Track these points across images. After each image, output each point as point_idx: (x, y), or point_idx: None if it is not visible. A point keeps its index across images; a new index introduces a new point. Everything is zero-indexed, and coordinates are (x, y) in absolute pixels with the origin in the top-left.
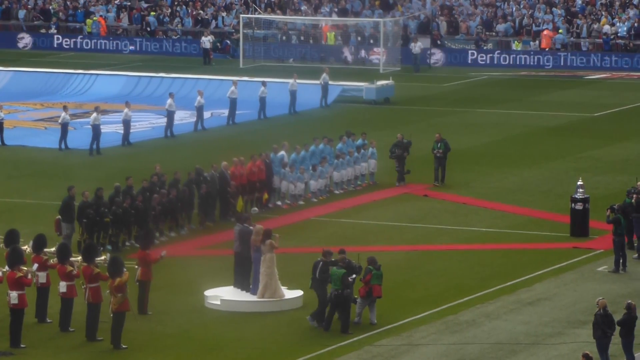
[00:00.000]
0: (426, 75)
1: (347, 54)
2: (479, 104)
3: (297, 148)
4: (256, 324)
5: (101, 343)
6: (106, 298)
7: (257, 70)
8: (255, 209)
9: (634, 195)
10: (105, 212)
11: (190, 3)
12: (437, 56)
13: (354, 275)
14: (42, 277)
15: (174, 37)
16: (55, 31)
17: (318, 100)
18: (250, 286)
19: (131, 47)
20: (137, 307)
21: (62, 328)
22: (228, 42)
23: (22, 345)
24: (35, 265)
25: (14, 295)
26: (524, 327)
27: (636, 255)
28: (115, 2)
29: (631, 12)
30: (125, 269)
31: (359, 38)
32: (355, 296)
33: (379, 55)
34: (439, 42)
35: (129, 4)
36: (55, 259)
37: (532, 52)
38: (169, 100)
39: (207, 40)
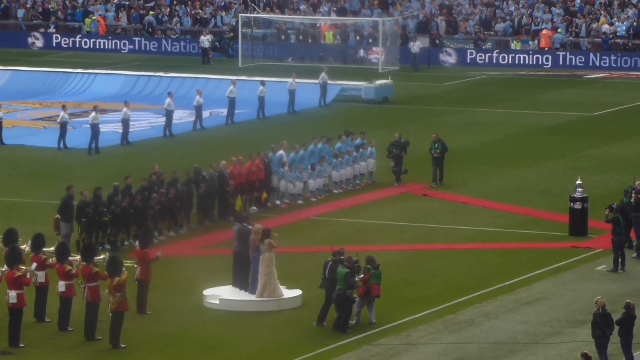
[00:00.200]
0: (425, 75)
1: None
2: (477, 103)
3: (296, 147)
4: (255, 323)
5: (100, 342)
6: (105, 297)
7: (255, 70)
8: (254, 208)
9: (633, 195)
10: (104, 211)
11: (189, 2)
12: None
13: (361, 276)
14: (40, 276)
15: (172, 36)
16: (54, 30)
17: (317, 99)
18: (249, 285)
19: (130, 47)
20: (136, 307)
21: (60, 327)
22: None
23: (21, 345)
24: (34, 265)
25: (12, 294)
26: (523, 326)
27: (635, 254)
28: (114, 1)
29: (630, 11)
30: (124, 269)
31: (358, 37)
32: (354, 295)
33: (377, 54)
34: (437, 41)
35: (127, 3)
36: (54, 259)
37: (531, 52)
38: (168, 100)
39: (205, 40)
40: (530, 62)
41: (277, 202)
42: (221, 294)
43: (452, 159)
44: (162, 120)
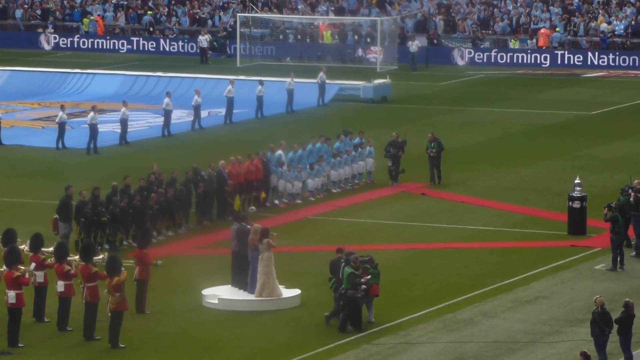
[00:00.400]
0: (423, 74)
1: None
2: (476, 102)
3: (295, 147)
4: (254, 323)
5: (99, 342)
6: (104, 297)
7: (254, 69)
8: (253, 207)
9: (632, 194)
10: (102, 211)
11: (188, 2)
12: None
13: (368, 277)
14: (39, 276)
15: (170, 36)
16: (52, 30)
17: (315, 99)
18: (248, 285)
19: (128, 47)
20: (135, 307)
21: (60, 327)
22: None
23: (20, 345)
24: (33, 265)
25: (11, 294)
26: (522, 325)
27: (634, 253)
28: (112, 1)
29: (628, 10)
30: (123, 269)
31: (356, 37)
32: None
33: (376, 53)
34: (435, 41)
35: (125, 2)
36: (52, 259)
37: (529, 51)
38: (166, 100)
39: (204, 40)
40: (529, 61)
41: (276, 201)
42: (220, 293)
43: (450, 158)
44: (160, 120)
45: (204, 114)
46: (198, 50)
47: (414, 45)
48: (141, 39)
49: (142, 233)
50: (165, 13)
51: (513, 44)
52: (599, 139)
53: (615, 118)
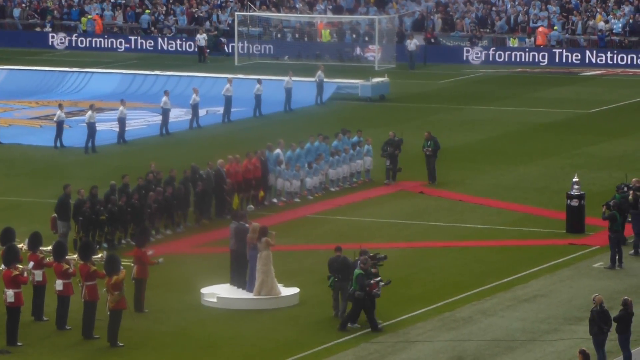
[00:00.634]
0: (421, 73)
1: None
2: (474, 101)
3: (293, 145)
4: (253, 321)
5: (98, 341)
6: (103, 296)
7: (252, 68)
8: (251, 206)
9: (632, 192)
10: (100, 210)
11: (186, 1)
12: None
13: (378, 279)
14: (38, 275)
15: (168, 34)
16: (50, 29)
17: (313, 97)
18: (247, 284)
19: (126, 45)
20: (134, 305)
21: (58, 326)
22: (222, 39)
23: (18, 344)
24: (31, 264)
25: (10, 293)
26: (520, 323)
27: (632, 251)
28: (110, 0)
29: (626, 8)
30: (122, 267)
31: (354, 35)
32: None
33: (374, 52)
34: (432, 40)
35: (123, 1)
36: (51, 257)
37: (527, 49)
38: (164, 98)
39: (202, 38)
40: (527, 60)
41: (274, 200)
42: (219, 292)
43: (448, 156)
44: (158, 118)
45: (202, 112)
46: (196, 49)
47: (412, 43)
48: (139, 37)
49: (140, 232)
50: (164, 12)
51: (512, 42)
52: (597, 137)
53: (614, 116)
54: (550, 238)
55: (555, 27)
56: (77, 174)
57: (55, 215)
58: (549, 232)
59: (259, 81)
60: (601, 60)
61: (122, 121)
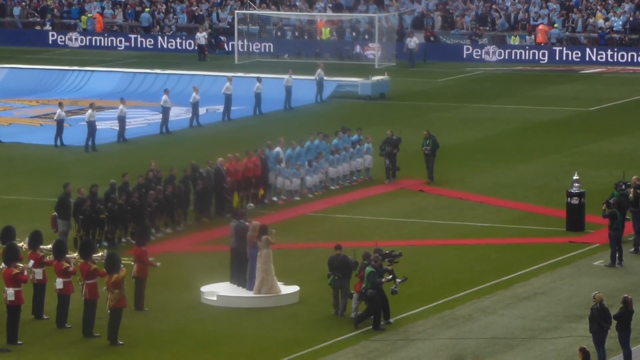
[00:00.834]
0: (421, 71)
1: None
2: (474, 99)
3: (293, 144)
4: (253, 319)
5: (98, 339)
6: (103, 294)
7: (252, 66)
8: (251, 204)
9: (632, 190)
10: (101, 208)
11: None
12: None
13: (389, 277)
14: (38, 273)
15: (168, 33)
16: (50, 28)
17: (313, 95)
18: (247, 282)
19: (126, 44)
20: (134, 304)
21: (58, 324)
22: (222, 38)
23: (19, 342)
24: (32, 262)
25: (10, 292)
26: (520, 321)
27: (632, 249)
28: None
29: (626, 6)
30: (122, 266)
31: (354, 33)
32: (352, 291)
33: (374, 50)
34: (432, 38)
35: (123, 0)
36: (51, 256)
37: (527, 47)
38: (164, 97)
39: (202, 37)
40: (527, 58)
41: (274, 198)
42: (219, 290)
43: (448, 154)
44: (158, 117)
45: (202, 111)
46: (196, 48)
47: (412, 41)
48: (139, 36)
49: (140, 230)
50: (163, 10)
51: (513, 40)
52: (597, 135)
53: (614, 114)
54: (550, 236)
55: (555, 25)
56: (78, 172)
57: (56, 213)
58: (549, 230)
59: (259, 79)
60: (601, 58)
61: (122, 120)
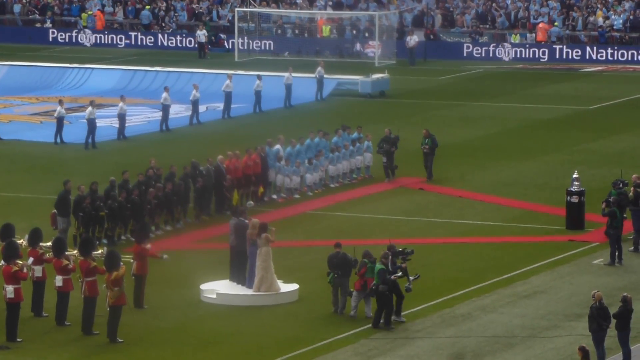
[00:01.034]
0: (422, 69)
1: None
2: (474, 97)
3: (293, 142)
4: (252, 317)
5: (97, 337)
6: (102, 292)
7: (252, 64)
8: (251, 202)
9: (632, 188)
10: (100, 206)
11: None
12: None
13: (399, 274)
14: (38, 271)
15: (168, 31)
16: (51, 25)
17: (313, 93)
18: (246, 280)
19: (126, 41)
20: (133, 301)
21: (58, 322)
22: (222, 36)
23: (18, 339)
24: (31, 259)
25: (10, 289)
26: (520, 320)
27: (632, 247)
28: None
29: (627, 4)
30: (122, 263)
31: (354, 31)
32: (351, 289)
33: (374, 48)
34: (432, 36)
35: None
36: (51, 253)
37: (527, 45)
38: (164, 94)
39: (202, 34)
40: (527, 56)
41: (274, 196)
42: (218, 288)
43: (448, 152)
44: (158, 114)
45: (202, 108)
46: (196, 45)
47: (412, 40)
48: (139, 33)
49: (140, 228)
50: (164, 8)
51: (514, 38)
52: (597, 134)
53: (614, 112)
54: (550, 234)
55: (555, 23)
56: (77, 170)
57: (55, 211)
58: (549, 228)
59: (259, 77)
60: (601, 56)
61: (122, 117)
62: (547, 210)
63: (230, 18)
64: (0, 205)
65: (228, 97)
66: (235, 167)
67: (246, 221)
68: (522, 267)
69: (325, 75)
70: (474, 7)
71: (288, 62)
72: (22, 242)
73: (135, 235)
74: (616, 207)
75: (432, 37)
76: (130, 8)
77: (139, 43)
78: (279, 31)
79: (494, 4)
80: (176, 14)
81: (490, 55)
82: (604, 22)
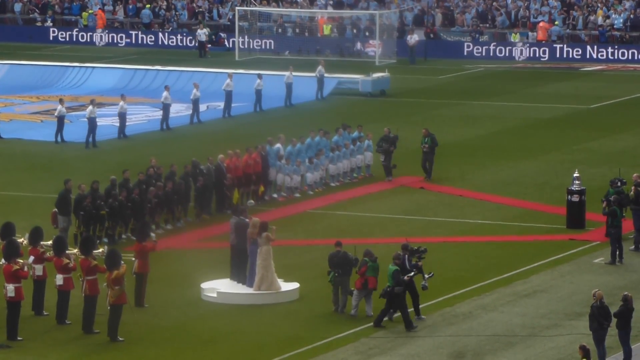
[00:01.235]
0: (422, 68)
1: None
2: (475, 96)
3: (293, 140)
4: (253, 316)
5: (98, 335)
6: (103, 291)
7: (252, 63)
8: (252, 201)
9: (633, 187)
10: (101, 204)
11: None
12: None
13: (412, 273)
14: (38, 269)
15: (168, 30)
16: (51, 24)
17: (314, 92)
18: (247, 279)
19: (127, 40)
20: (134, 300)
21: (58, 321)
22: (222, 35)
23: (19, 338)
24: (32, 258)
25: (10, 287)
26: (521, 319)
27: (632, 246)
28: None
29: (627, 3)
30: (122, 262)
31: (355, 30)
32: (352, 288)
33: (374, 47)
34: (432, 35)
35: None
36: (51, 252)
37: (528, 44)
38: (165, 93)
39: (202, 33)
40: (528, 55)
41: (275, 195)
42: (219, 287)
43: (449, 152)
44: (159, 113)
45: (202, 107)
46: (196, 44)
47: (413, 39)
48: (140, 32)
49: (140, 226)
50: (164, 7)
51: (514, 37)
52: (597, 133)
53: (614, 112)
54: (550, 233)
55: (556, 22)
56: (78, 168)
57: (56, 209)
58: (549, 227)
59: (260, 76)
60: (602, 55)
61: (122, 116)
62: (548, 210)
63: (230, 17)
64: (0, 204)
65: (228, 96)
66: (235, 166)
67: (247, 220)
68: (522, 266)
69: (326, 74)
70: (474, 6)
71: (288, 61)
72: (23, 240)
73: (136, 234)
74: (617, 206)
75: (432, 36)
76: (130, 7)
77: (140, 42)
78: (280, 30)
79: (494, 3)
80: (176, 13)
81: (491, 54)
82: (605, 21)
